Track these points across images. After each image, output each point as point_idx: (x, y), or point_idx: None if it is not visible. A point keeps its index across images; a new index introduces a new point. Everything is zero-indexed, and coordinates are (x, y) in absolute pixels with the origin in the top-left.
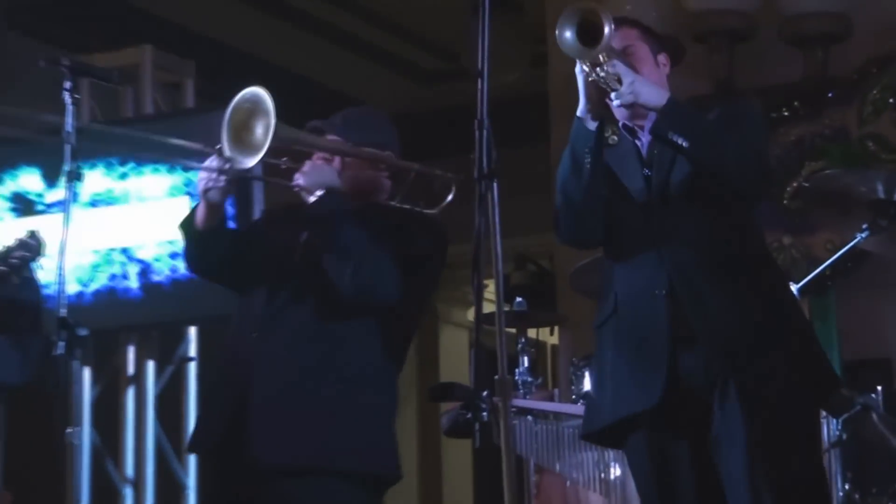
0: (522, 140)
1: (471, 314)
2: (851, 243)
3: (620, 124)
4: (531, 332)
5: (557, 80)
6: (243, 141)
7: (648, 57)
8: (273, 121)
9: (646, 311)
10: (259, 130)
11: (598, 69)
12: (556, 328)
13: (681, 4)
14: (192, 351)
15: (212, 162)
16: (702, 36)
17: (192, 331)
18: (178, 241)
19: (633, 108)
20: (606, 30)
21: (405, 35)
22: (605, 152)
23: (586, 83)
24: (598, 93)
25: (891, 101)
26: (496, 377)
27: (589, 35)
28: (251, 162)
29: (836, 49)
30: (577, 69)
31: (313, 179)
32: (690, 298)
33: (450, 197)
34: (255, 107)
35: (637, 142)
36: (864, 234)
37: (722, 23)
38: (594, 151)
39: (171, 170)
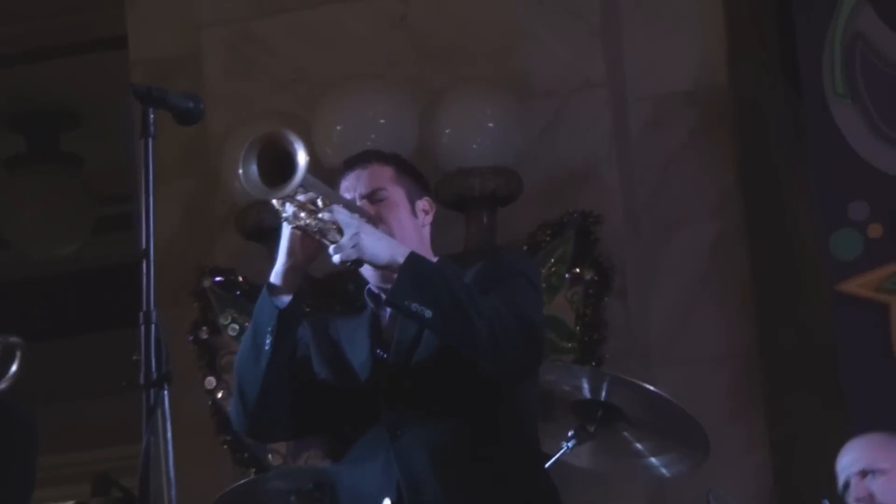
0: (99, 325)
1: None
2: (559, 454)
3: (366, 289)
4: None
5: (155, 252)
6: None
7: (403, 203)
8: None
9: None
10: None
11: (310, 216)
12: None
13: (316, 157)
14: None
15: None
16: None
17: None
18: None
19: (359, 265)
20: (301, 159)
21: None
22: (337, 324)
23: (292, 235)
24: (306, 251)
25: (567, 276)
26: None
27: (281, 170)
28: None
29: (503, 212)
30: (282, 212)
31: None
32: None
33: (14, 367)
34: None
35: (381, 312)
36: (570, 444)
37: None
38: (276, 333)
39: None
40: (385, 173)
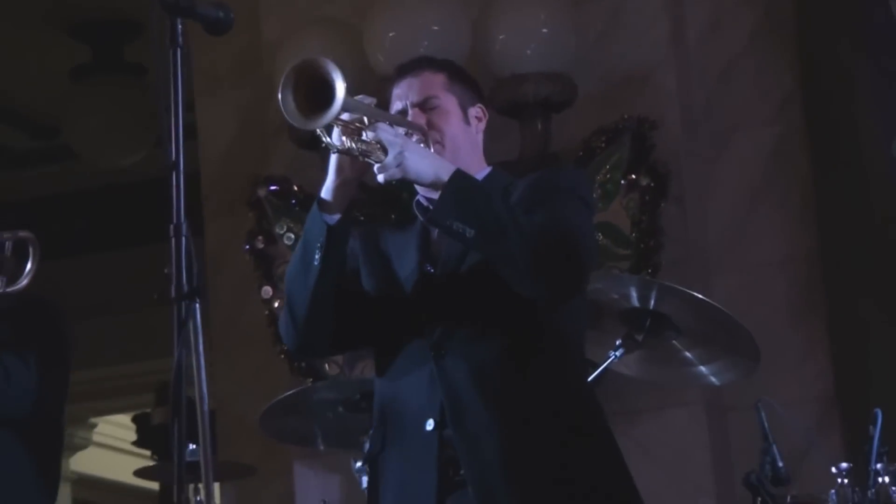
0: (160, 236)
1: (75, 462)
2: (606, 362)
3: (415, 199)
4: None
5: (209, 157)
6: None
7: (455, 111)
8: None
9: (414, 448)
10: None
11: (353, 138)
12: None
13: (368, 64)
14: None
15: None
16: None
17: None
18: None
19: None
20: (339, 86)
21: None
22: (387, 235)
23: (339, 157)
24: (355, 168)
25: (622, 182)
26: None
27: (321, 97)
28: None
29: (558, 119)
30: (324, 138)
31: None
32: (462, 434)
33: (30, 263)
34: None
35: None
36: (618, 353)
37: None
38: (326, 249)
39: None
40: (437, 81)
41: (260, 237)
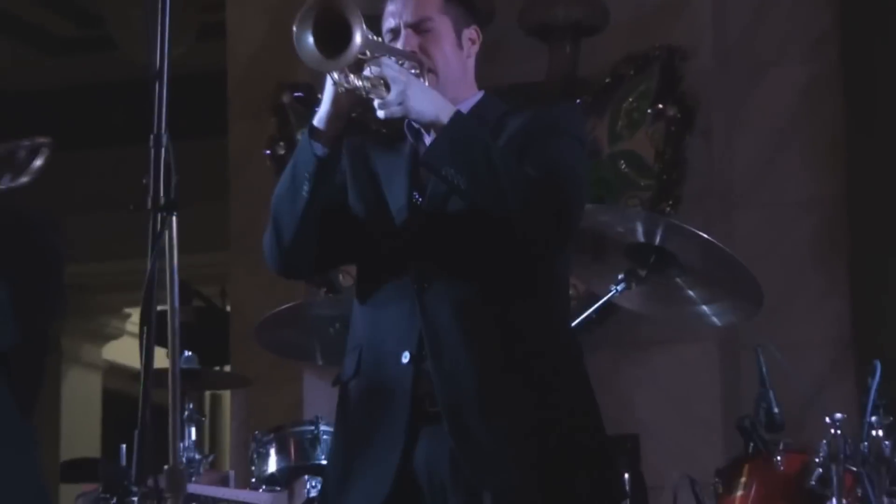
0: (189, 131)
1: (107, 351)
2: (607, 296)
3: (406, 121)
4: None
5: (237, 59)
6: None
7: (449, 35)
8: None
9: (388, 378)
10: None
11: (357, 74)
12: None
13: None
14: None
15: None
16: None
17: None
18: None
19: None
20: (357, 31)
21: None
22: (376, 154)
23: (336, 90)
24: (352, 101)
25: (649, 111)
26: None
27: (335, 37)
28: None
29: (587, 43)
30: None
31: None
32: (439, 368)
33: (38, 162)
34: None
35: (420, 147)
36: (620, 286)
37: None
38: (314, 180)
39: None
40: (432, 1)
41: (281, 143)
